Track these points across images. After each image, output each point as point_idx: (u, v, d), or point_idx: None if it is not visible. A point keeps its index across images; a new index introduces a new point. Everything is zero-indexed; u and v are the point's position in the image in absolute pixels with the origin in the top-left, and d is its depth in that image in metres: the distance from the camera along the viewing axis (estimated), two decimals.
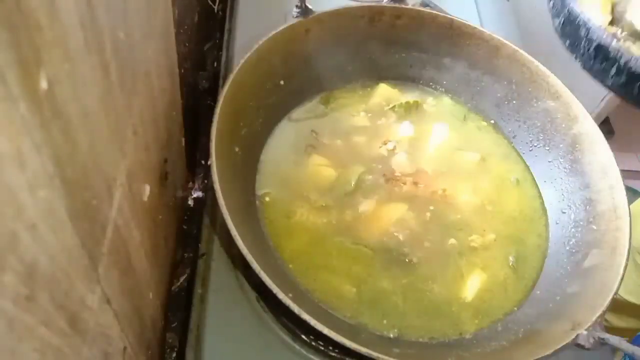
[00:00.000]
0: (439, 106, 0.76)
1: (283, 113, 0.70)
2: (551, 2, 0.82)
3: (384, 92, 0.76)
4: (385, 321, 0.56)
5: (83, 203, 0.30)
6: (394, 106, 0.74)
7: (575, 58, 0.77)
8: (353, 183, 0.65)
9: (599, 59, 0.74)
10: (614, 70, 0.72)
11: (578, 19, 0.75)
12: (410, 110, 0.74)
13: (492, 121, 0.76)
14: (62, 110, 0.26)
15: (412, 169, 0.69)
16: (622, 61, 0.70)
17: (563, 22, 0.78)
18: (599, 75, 0.75)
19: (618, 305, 0.93)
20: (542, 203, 0.69)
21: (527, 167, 0.72)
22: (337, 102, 0.73)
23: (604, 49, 0.72)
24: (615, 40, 0.71)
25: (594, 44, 0.73)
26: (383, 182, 0.66)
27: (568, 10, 0.76)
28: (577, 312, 0.54)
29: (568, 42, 0.78)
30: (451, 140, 0.73)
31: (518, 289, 0.61)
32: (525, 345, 0.53)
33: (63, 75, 0.26)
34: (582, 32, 0.74)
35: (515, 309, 0.60)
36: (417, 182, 0.67)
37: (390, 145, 0.70)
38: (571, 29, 0.76)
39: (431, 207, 0.65)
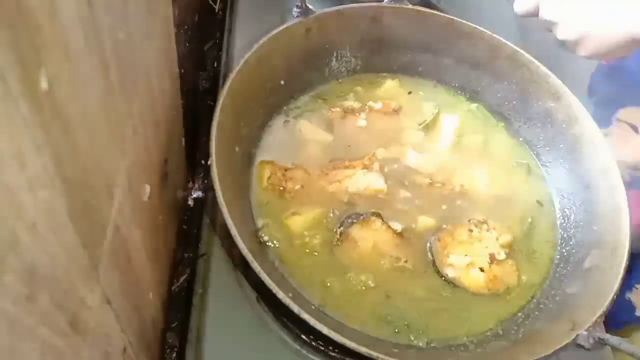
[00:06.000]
0: (443, 104, 0.76)
1: (283, 112, 0.70)
2: None
3: (389, 88, 0.76)
4: (389, 319, 0.56)
5: (83, 203, 0.30)
6: (420, 124, 0.72)
7: None
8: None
9: None
10: None
11: None
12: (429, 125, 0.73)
13: (501, 120, 0.76)
14: (62, 110, 0.26)
15: (424, 169, 0.68)
16: None
17: None
18: None
19: None
20: (550, 198, 0.69)
21: (538, 164, 0.72)
22: (338, 100, 0.73)
23: None
24: None
25: None
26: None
27: None
28: (577, 312, 0.54)
29: None
30: (461, 137, 0.73)
31: (522, 290, 0.62)
32: (525, 345, 0.53)
33: (63, 75, 0.26)
34: None
35: (517, 311, 0.60)
36: (433, 182, 0.67)
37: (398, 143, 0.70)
38: None
39: (444, 206, 0.65)
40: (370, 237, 0.60)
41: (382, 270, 0.59)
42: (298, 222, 0.60)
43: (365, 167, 0.65)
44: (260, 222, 0.60)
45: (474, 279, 0.59)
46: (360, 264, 0.59)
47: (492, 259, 0.61)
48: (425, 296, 0.58)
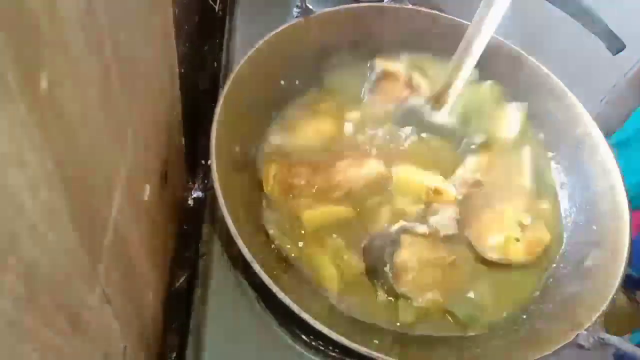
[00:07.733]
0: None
1: (283, 112, 0.70)
2: None
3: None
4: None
5: (83, 203, 0.30)
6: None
7: None
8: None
9: None
10: None
11: None
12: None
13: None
14: (62, 110, 0.26)
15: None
16: None
17: None
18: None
19: None
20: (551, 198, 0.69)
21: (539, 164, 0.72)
22: (338, 100, 0.73)
23: None
24: None
25: None
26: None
27: None
28: (577, 312, 0.54)
29: None
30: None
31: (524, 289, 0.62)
32: (525, 345, 0.53)
33: (63, 76, 0.26)
34: None
35: (517, 310, 0.60)
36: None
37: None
38: None
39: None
40: (413, 256, 0.59)
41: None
42: (298, 221, 0.60)
43: (367, 156, 0.66)
44: (261, 222, 0.60)
45: (515, 251, 0.61)
46: (418, 285, 0.58)
47: (522, 227, 0.63)
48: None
